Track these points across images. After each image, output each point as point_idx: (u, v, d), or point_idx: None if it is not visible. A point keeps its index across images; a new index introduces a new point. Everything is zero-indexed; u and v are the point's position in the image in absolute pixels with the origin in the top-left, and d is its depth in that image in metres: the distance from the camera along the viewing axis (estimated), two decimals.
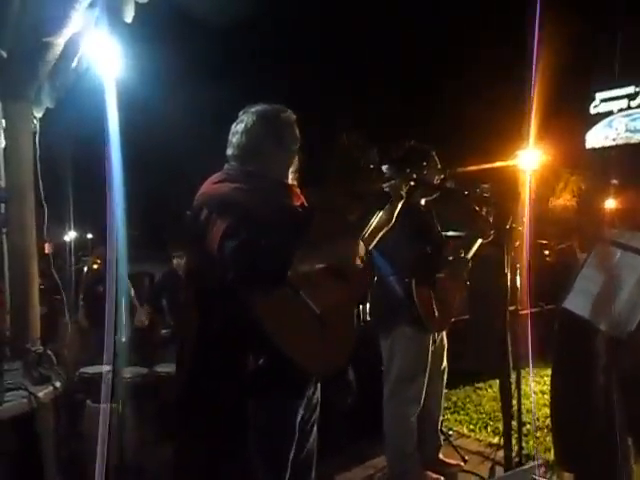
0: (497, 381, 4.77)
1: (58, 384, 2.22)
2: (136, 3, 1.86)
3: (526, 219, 2.84)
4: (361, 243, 1.85)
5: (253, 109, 1.82)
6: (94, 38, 1.91)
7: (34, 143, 2.70)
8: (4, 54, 2.45)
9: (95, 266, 7.39)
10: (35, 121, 2.76)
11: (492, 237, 3.04)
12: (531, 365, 3.41)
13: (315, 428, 1.90)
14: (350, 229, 1.89)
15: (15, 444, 1.96)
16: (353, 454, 3.27)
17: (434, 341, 2.85)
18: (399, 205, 2.16)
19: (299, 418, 1.72)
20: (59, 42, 1.94)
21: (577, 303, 2.11)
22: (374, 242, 2.21)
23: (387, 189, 2.16)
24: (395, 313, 2.72)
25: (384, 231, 2.21)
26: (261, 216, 1.58)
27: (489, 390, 4.66)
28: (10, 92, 2.54)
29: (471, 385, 4.73)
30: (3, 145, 2.69)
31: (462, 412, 4.11)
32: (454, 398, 4.41)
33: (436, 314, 2.73)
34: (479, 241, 3.00)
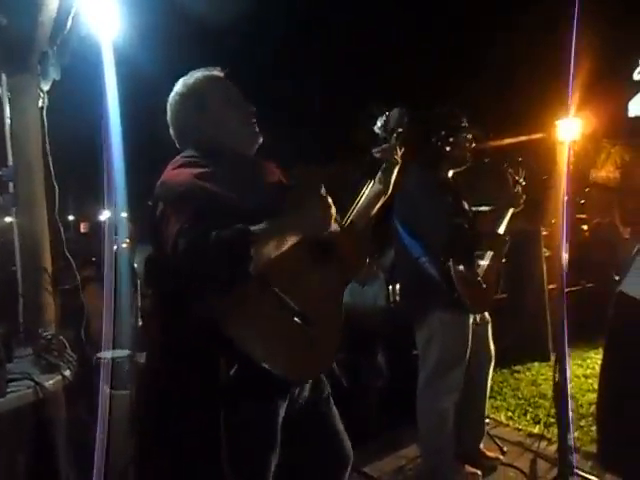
0: (535, 364, 4.60)
1: (67, 372, 2.10)
2: None
3: (564, 192, 2.60)
4: (332, 206, 1.53)
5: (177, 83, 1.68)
6: None
7: (42, 118, 2.56)
8: (4, 20, 2.29)
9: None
10: (42, 95, 2.61)
11: (523, 206, 2.84)
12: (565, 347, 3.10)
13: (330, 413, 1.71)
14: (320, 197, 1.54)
15: (19, 437, 1.85)
16: (385, 442, 3.11)
17: (476, 323, 2.63)
18: (394, 171, 1.90)
19: (280, 419, 1.52)
20: (47, 2, 1.77)
21: (637, 287, 1.85)
22: (371, 215, 1.95)
23: (377, 154, 1.88)
24: (431, 297, 2.50)
25: (380, 202, 1.96)
26: (220, 204, 1.36)
27: (527, 374, 4.43)
28: (12, 64, 2.40)
29: (508, 368, 4.50)
30: (9, 122, 2.56)
31: (499, 397, 3.89)
32: (490, 382, 4.18)
33: (477, 294, 2.50)
34: (510, 211, 2.77)
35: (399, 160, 1.90)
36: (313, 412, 1.64)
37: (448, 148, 2.56)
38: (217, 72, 1.72)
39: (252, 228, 1.32)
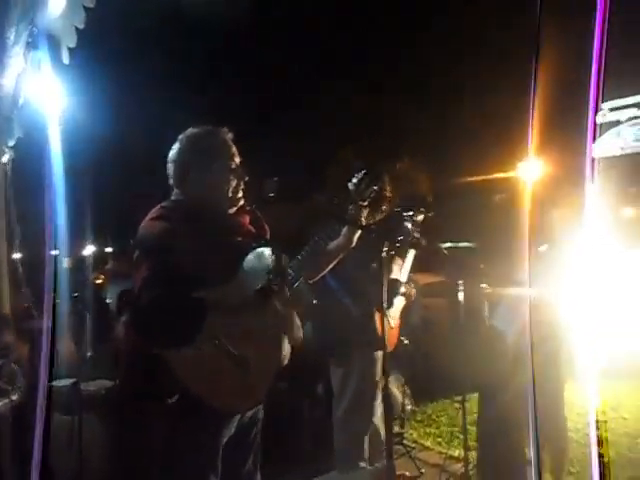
0: (476, 394, 4.86)
1: (15, 397, 2.38)
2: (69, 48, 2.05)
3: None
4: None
5: (180, 135, 1.84)
6: (34, 78, 2.12)
7: (5, 172, 2.90)
8: None
9: (98, 281, 7.68)
10: (6, 149, 2.95)
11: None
12: None
13: (257, 440, 1.91)
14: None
15: None
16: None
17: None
18: (358, 232, 2.06)
19: (224, 439, 1.73)
20: (4, 82, 2.14)
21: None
22: (330, 265, 2.15)
23: (350, 213, 2.02)
24: (354, 335, 2.72)
25: (341, 256, 2.14)
26: (179, 260, 1.60)
27: (466, 404, 4.68)
28: None
29: (450, 399, 4.77)
30: None
31: (434, 425, 4.17)
32: (429, 411, 4.47)
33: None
34: (412, 253, 3.04)
35: (364, 222, 2.05)
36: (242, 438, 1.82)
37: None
38: (223, 134, 1.82)
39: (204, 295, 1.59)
